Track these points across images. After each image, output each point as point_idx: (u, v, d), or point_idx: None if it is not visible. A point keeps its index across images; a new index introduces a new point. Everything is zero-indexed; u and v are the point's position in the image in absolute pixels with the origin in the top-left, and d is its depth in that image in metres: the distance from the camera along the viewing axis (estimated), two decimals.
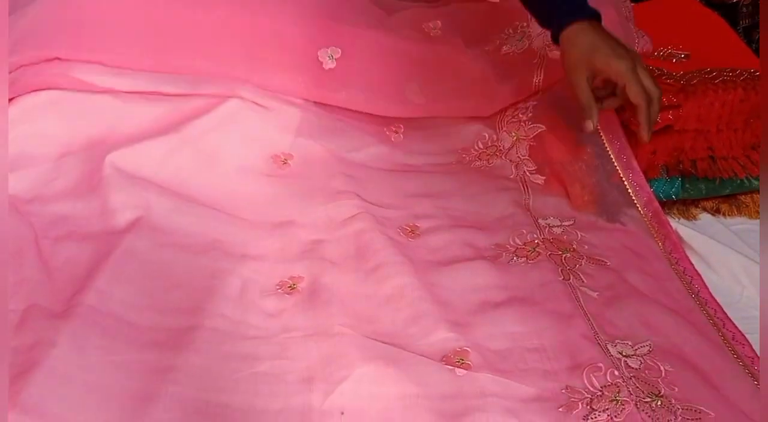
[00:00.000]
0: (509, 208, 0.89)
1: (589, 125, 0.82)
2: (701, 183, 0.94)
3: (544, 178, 0.94)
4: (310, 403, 0.63)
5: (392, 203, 0.89)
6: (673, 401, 0.62)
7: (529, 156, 0.96)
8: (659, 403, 0.62)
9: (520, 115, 0.99)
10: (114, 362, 0.64)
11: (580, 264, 0.78)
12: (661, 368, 0.66)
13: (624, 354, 0.68)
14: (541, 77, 1.00)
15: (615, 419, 0.61)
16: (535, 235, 0.83)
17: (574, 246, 0.81)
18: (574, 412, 0.62)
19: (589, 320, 0.72)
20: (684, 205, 0.95)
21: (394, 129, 1.01)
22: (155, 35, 0.94)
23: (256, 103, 0.93)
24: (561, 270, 0.77)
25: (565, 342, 0.69)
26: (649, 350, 0.68)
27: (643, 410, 0.61)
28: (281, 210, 0.85)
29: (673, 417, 0.61)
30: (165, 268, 0.75)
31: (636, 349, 0.68)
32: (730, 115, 0.94)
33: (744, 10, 1.24)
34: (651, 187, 0.91)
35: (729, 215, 0.96)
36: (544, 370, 0.67)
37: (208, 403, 0.62)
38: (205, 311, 0.70)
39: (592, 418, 0.61)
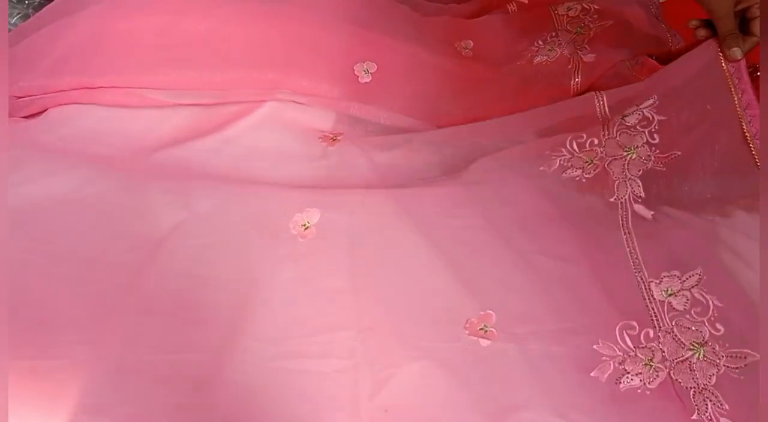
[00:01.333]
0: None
1: (737, 52, 0.80)
2: None
3: (653, 212, 0.76)
4: (357, 400, 0.64)
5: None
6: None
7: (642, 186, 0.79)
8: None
9: (641, 128, 0.81)
10: (165, 361, 0.65)
11: (718, 368, 0.63)
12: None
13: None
14: (579, 79, 0.99)
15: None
16: (650, 332, 0.66)
17: (706, 336, 0.64)
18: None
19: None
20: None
21: None
22: (193, 54, 0.94)
23: (294, 102, 0.94)
24: (692, 394, 0.62)
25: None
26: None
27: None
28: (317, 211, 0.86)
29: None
30: (208, 281, 0.75)
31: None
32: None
33: None
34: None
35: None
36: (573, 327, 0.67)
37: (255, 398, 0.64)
38: (250, 317, 0.72)
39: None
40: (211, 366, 0.66)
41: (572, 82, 0.96)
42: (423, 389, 0.66)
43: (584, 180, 0.79)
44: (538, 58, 1.04)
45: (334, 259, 0.80)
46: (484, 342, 0.68)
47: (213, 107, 0.94)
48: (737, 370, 0.61)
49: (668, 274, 0.67)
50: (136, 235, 0.78)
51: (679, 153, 0.76)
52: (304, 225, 0.82)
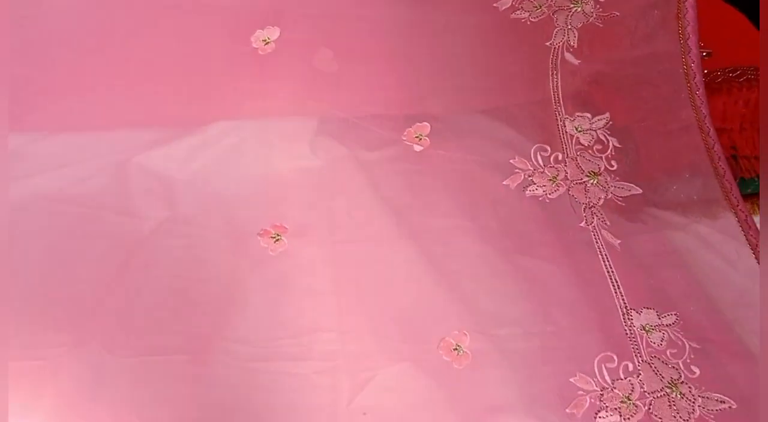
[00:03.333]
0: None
1: None
2: None
3: (620, 241, 0.77)
4: (336, 402, 0.64)
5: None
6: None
7: (602, 206, 0.80)
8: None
9: (597, 153, 0.84)
10: (144, 363, 0.65)
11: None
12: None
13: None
14: (558, 80, 0.94)
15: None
16: (630, 366, 0.65)
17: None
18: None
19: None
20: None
21: (415, 135, 0.91)
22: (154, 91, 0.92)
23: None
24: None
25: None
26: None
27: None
28: (302, 212, 0.86)
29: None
30: (188, 283, 0.75)
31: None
32: (754, 114, 0.94)
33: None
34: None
35: (751, 214, 0.95)
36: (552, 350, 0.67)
37: (235, 400, 0.63)
38: (230, 318, 0.71)
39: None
40: (191, 367, 0.66)
41: (551, 85, 0.91)
42: (402, 392, 0.66)
43: (548, 200, 0.80)
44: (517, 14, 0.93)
45: (317, 260, 0.80)
46: (456, 365, 0.67)
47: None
48: (713, 414, 0.60)
49: (647, 311, 0.69)
50: (117, 235, 0.77)
51: (639, 191, 0.80)
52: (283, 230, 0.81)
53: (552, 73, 0.85)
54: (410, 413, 0.64)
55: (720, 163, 0.81)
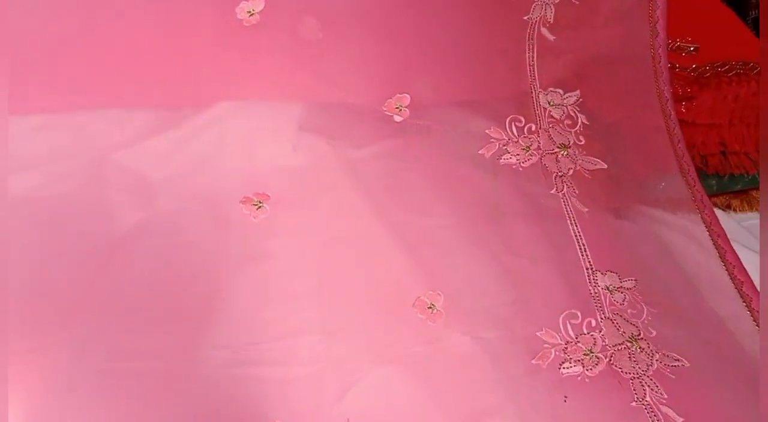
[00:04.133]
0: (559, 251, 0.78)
1: None
2: (711, 179, 0.93)
3: (587, 209, 0.80)
4: (320, 408, 0.62)
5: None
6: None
7: (572, 176, 0.84)
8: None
9: (567, 127, 0.87)
10: (118, 370, 0.63)
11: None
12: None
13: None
14: (534, 54, 0.93)
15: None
16: (593, 321, 0.69)
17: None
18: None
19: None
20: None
21: (396, 105, 0.90)
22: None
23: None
24: (631, 381, 0.65)
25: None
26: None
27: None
28: (286, 212, 0.84)
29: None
30: (167, 285, 0.73)
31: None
32: (743, 109, 0.93)
33: (753, 0, 1.23)
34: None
35: (740, 210, 0.95)
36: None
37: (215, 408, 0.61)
38: (210, 322, 0.69)
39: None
40: (167, 374, 0.63)
41: (527, 57, 0.91)
42: (388, 395, 0.64)
43: (521, 169, 0.83)
44: None
45: (301, 260, 0.78)
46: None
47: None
48: (670, 369, 0.64)
49: (611, 272, 0.72)
50: (93, 236, 0.75)
51: (604, 166, 0.84)
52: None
53: (529, 47, 0.88)
54: (397, 417, 0.63)
55: (684, 160, 0.84)
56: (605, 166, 0.83)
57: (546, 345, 0.66)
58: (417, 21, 0.91)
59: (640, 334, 0.66)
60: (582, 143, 0.82)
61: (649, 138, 0.89)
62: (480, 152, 0.82)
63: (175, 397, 0.61)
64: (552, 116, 0.84)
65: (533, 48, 0.86)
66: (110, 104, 0.87)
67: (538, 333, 0.67)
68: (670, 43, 1.05)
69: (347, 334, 0.69)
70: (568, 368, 0.64)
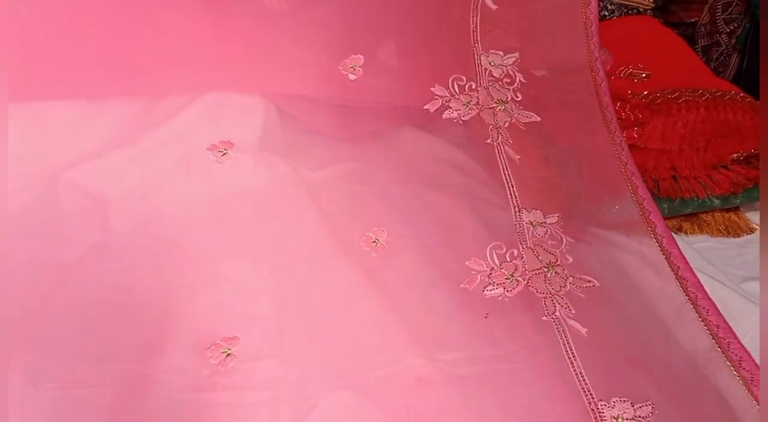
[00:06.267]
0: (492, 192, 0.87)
1: None
2: (663, 202, 0.95)
3: (519, 156, 0.90)
4: None
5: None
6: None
7: (507, 128, 0.93)
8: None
9: (506, 84, 0.97)
10: (70, 396, 0.61)
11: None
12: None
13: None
14: (478, 19, 1.00)
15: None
16: (515, 252, 0.78)
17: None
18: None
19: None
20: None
21: (351, 65, 0.95)
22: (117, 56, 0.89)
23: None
24: (544, 299, 0.73)
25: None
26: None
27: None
28: (244, 233, 0.83)
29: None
30: (120, 309, 0.71)
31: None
32: (693, 135, 0.96)
33: (702, 29, 1.27)
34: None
35: (691, 233, 0.97)
36: None
37: None
38: (163, 346, 0.67)
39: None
40: (120, 400, 0.61)
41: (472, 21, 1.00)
42: (347, 420, 0.63)
43: (461, 122, 0.92)
44: None
45: (259, 283, 0.77)
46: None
47: (135, 118, 0.88)
48: (581, 290, 0.73)
49: (535, 209, 0.82)
50: (43, 259, 0.73)
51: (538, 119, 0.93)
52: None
53: (473, 15, 0.96)
54: None
55: (638, 189, 0.87)
56: (539, 119, 0.93)
57: (473, 272, 0.75)
58: None
59: (557, 261, 0.76)
60: (519, 99, 0.92)
61: (600, 160, 0.92)
62: (425, 107, 0.92)
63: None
64: (492, 75, 0.94)
65: (476, 16, 0.95)
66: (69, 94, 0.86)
67: (467, 263, 0.76)
68: (622, 69, 1.08)
69: (305, 358, 0.68)
70: (491, 290, 0.73)
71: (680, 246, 0.92)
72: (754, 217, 1.00)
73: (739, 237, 0.97)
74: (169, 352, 0.66)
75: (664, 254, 0.78)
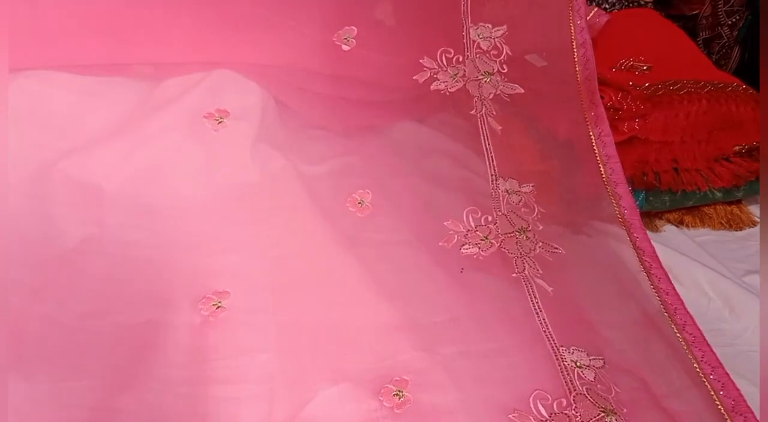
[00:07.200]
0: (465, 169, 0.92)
1: None
2: (665, 195, 0.94)
3: (501, 127, 0.94)
4: None
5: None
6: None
7: (491, 100, 0.96)
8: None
9: (493, 56, 0.99)
10: (62, 389, 0.60)
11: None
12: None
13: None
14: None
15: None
16: (489, 217, 0.84)
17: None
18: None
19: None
20: (648, 217, 0.95)
21: (344, 36, 0.97)
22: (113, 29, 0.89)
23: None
24: (515, 260, 0.79)
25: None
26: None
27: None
28: (240, 228, 0.82)
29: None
30: (114, 303, 0.70)
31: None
32: (695, 127, 0.95)
33: (704, 21, 1.26)
34: None
35: (693, 226, 0.96)
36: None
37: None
38: (158, 340, 0.66)
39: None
40: (113, 393, 0.60)
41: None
42: (342, 414, 0.62)
43: (448, 93, 0.96)
44: None
45: (254, 278, 0.76)
46: (398, 410, 0.63)
47: (134, 106, 0.87)
48: (549, 254, 0.79)
49: (511, 178, 0.87)
50: (35, 253, 0.72)
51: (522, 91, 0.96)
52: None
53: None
54: None
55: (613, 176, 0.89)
56: (522, 91, 0.96)
57: (451, 233, 0.80)
58: None
59: (528, 227, 0.82)
60: (505, 71, 0.95)
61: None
62: (414, 78, 0.95)
63: (122, 417, 0.58)
64: (480, 47, 0.97)
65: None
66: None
67: (445, 223, 0.81)
68: (623, 62, 1.07)
69: (301, 352, 0.67)
70: (467, 249, 0.78)
71: (682, 240, 0.92)
72: (756, 210, 1.00)
73: (741, 230, 0.96)
74: (164, 345, 0.65)
75: (625, 227, 0.83)
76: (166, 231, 0.78)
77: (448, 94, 0.96)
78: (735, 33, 1.24)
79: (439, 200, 0.86)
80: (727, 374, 0.66)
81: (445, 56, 0.97)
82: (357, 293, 0.73)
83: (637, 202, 0.93)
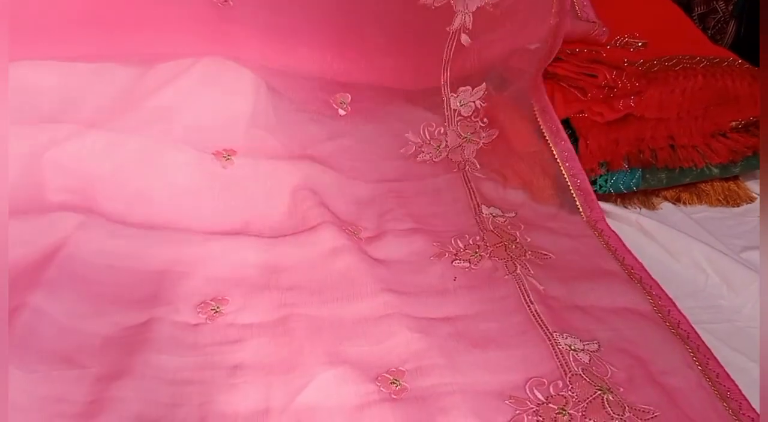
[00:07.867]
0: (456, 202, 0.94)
1: None
2: (661, 172, 0.93)
3: (481, 175, 0.97)
4: (268, 412, 0.60)
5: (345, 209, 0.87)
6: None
7: (475, 157, 0.99)
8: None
9: (474, 119, 1.00)
10: (58, 377, 0.59)
11: (525, 256, 0.83)
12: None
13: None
14: (450, 56, 0.98)
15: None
16: (477, 237, 0.86)
17: (518, 239, 0.86)
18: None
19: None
20: (645, 195, 0.95)
21: (340, 100, 0.96)
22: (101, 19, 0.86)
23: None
24: (505, 263, 0.81)
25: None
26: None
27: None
28: (229, 217, 0.82)
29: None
30: (107, 284, 0.70)
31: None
32: (691, 103, 0.94)
33: None
34: (612, 179, 0.92)
35: (690, 204, 0.95)
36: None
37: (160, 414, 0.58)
38: (152, 327, 0.66)
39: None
40: (107, 378, 0.60)
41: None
42: (339, 397, 0.62)
43: (433, 162, 0.98)
44: None
45: (250, 261, 0.76)
46: (395, 396, 0.63)
47: (125, 91, 0.87)
48: (539, 259, 0.82)
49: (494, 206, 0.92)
50: (28, 241, 0.71)
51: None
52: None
53: (447, 51, 0.96)
54: (349, 413, 0.60)
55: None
56: (497, 132, 0.98)
57: (442, 251, 0.82)
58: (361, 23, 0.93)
59: (516, 239, 0.84)
60: (485, 124, 0.99)
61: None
62: (401, 151, 0.97)
63: (116, 403, 0.58)
64: (461, 114, 0.98)
65: (450, 51, 0.95)
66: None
67: (433, 244, 0.83)
68: (618, 39, 1.06)
69: (298, 336, 0.67)
70: (458, 263, 0.80)
71: (680, 217, 0.92)
72: (753, 186, 0.99)
73: (738, 206, 0.95)
74: (158, 332, 0.65)
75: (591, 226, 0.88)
76: (159, 218, 0.79)
77: (433, 163, 0.98)
78: (730, 7, 1.23)
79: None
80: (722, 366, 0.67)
81: (428, 130, 0.99)
82: (353, 276, 0.74)
83: (633, 181, 0.92)
